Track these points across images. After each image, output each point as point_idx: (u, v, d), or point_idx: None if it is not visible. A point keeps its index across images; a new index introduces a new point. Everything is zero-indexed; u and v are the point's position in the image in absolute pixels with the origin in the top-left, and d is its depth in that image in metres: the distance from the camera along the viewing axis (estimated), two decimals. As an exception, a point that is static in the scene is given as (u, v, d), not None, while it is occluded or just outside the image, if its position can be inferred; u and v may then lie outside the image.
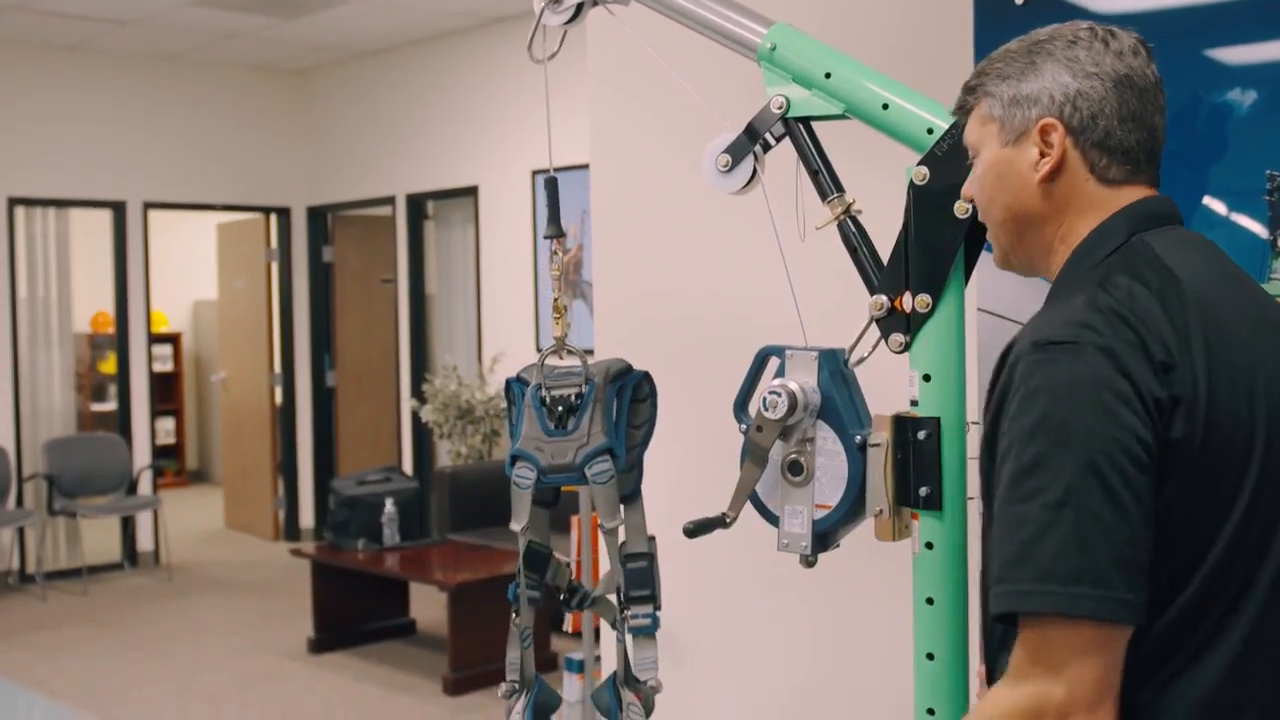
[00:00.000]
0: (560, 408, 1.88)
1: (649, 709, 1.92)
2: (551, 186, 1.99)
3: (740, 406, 1.77)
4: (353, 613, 6.44)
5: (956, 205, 1.60)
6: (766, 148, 1.80)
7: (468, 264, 8.20)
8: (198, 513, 10.04)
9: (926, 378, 1.64)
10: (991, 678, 1.43)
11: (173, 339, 11.61)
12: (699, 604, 2.90)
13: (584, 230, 6.41)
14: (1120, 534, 1.22)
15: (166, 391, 11.27)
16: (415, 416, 7.93)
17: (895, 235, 1.65)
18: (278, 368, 9.21)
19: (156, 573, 8.29)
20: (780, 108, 1.76)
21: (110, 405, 9.32)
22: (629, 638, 1.91)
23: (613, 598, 1.97)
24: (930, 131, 1.63)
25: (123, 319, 8.51)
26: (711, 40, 1.86)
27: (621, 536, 1.90)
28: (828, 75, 1.72)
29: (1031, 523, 1.24)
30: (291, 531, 9.12)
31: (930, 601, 1.63)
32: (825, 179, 1.74)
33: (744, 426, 1.74)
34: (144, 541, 8.51)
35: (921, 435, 1.62)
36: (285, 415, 9.19)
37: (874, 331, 1.68)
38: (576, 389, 1.88)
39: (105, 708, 5.57)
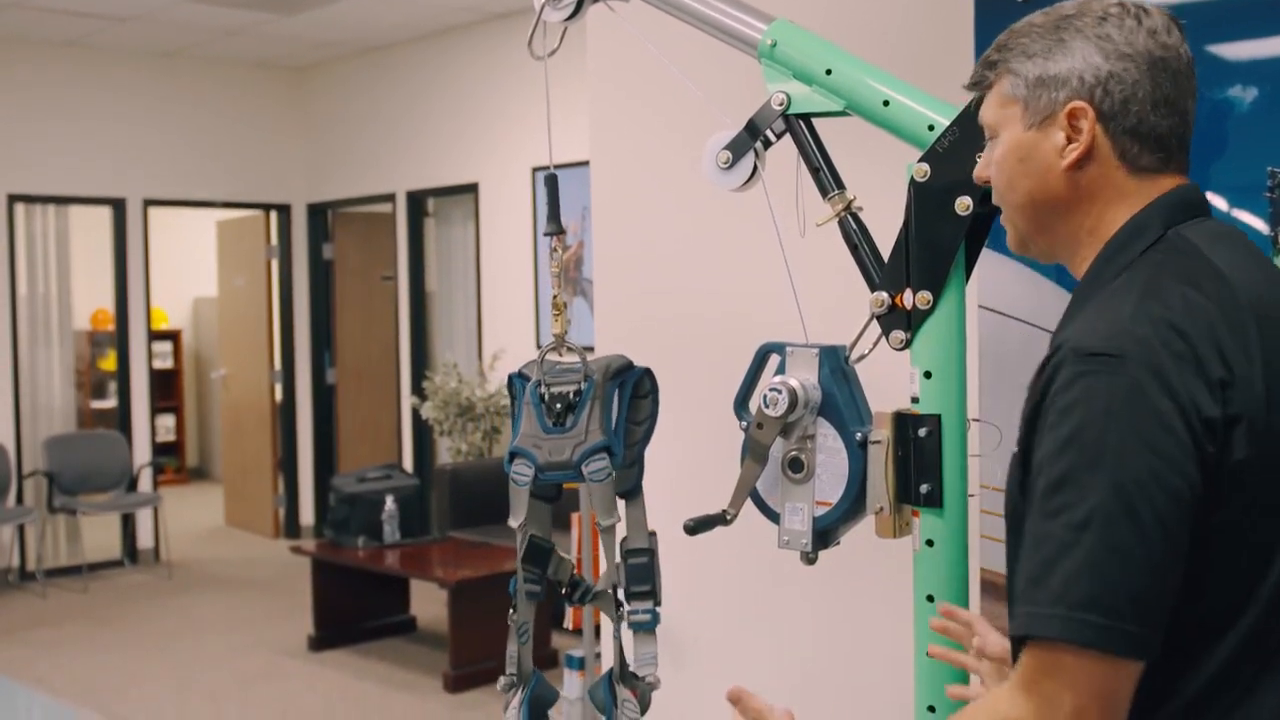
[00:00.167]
0: (559, 405, 1.88)
1: (645, 706, 1.91)
2: (551, 183, 1.99)
3: (741, 403, 1.77)
4: (353, 610, 6.44)
5: (958, 202, 1.60)
6: (767, 144, 1.79)
7: (468, 261, 8.20)
8: (198, 510, 10.04)
9: (927, 375, 1.63)
10: None
11: (173, 336, 11.61)
12: (700, 601, 2.90)
13: (584, 227, 6.40)
14: (1140, 566, 1.15)
15: (167, 389, 11.27)
16: (415, 413, 7.93)
17: (896, 232, 1.65)
18: (278, 365, 9.21)
19: (156, 570, 8.29)
20: (781, 104, 1.76)
21: (110, 402, 9.32)
22: (628, 633, 1.91)
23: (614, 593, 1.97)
24: (931, 128, 1.63)
25: (123, 316, 8.51)
26: (712, 37, 1.86)
27: (622, 532, 1.90)
28: (828, 72, 1.72)
29: (1053, 542, 1.18)
30: (292, 529, 9.12)
31: (931, 599, 1.63)
32: (826, 176, 1.74)
33: (745, 423, 1.73)
34: (144, 539, 8.51)
35: (922, 432, 1.62)
36: (285, 412, 9.19)
37: (875, 328, 1.68)
38: (575, 386, 1.88)
39: (105, 705, 5.57)
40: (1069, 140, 1.33)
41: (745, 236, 2.44)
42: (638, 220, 3.06)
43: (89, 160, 8.28)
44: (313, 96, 9.11)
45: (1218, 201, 2.01)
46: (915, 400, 1.65)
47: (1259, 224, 1.96)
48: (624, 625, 1.92)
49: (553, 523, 1.98)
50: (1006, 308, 2.19)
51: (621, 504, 1.90)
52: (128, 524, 8.46)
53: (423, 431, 8.22)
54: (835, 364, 1.71)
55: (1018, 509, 1.29)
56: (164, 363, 11.25)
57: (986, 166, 1.44)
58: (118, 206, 8.42)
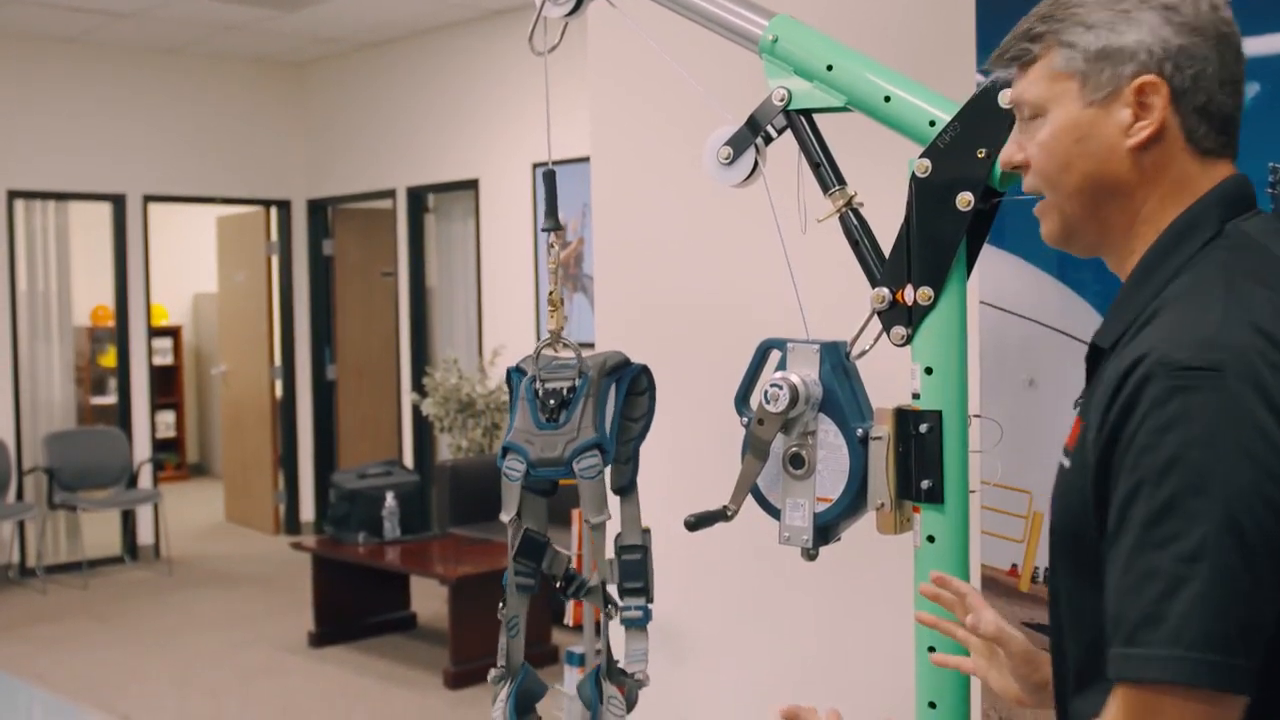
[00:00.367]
0: (552, 401, 1.88)
1: (632, 704, 1.91)
2: (549, 179, 1.99)
3: (741, 399, 1.77)
4: (353, 606, 6.44)
5: (959, 197, 1.59)
6: (768, 140, 1.79)
7: (468, 257, 8.20)
8: (198, 506, 10.05)
9: (928, 371, 1.63)
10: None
11: (173, 332, 11.61)
12: (700, 597, 2.90)
13: (585, 223, 6.40)
14: (1249, 594, 1.09)
15: (167, 385, 11.27)
16: (416, 410, 7.94)
17: (897, 228, 1.65)
18: (278, 361, 9.21)
19: (157, 566, 8.30)
20: (782, 100, 1.75)
21: (110, 399, 9.32)
22: (618, 630, 1.91)
23: (611, 589, 1.97)
24: (932, 124, 1.63)
25: (123, 312, 8.51)
26: (712, 32, 1.85)
27: (617, 528, 1.90)
28: (829, 67, 1.72)
29: (1162, 577, 1.09)
30: (292, 525, 9.12)
31: (932, 595, 1.63)
32: (827, 171, 1.73)
33: (745, 420, 1.73)
34: (144, 535, 8.52)
35: (923, 428, 1.62)
36: (285, 409, 9.19)
37: (876, 324, 1.68)
38: (570, 382, 1.88)
39: (106, 701, 5.58)
40: (1136, 118, 1.25)
41: (746, 232, 2.43)
42: (638, 216, 3.06)
43: (89, 156, 8.28)
44: (313, 92, 9.11)
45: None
46: (916, 396, 1.64)
47: (1261, 220, 1.96)
48: (614, 621, 1.92)
49: (554, 518, 1.98)
50: (1008, 303, 2.19)
51: (616, 500, 1.90)
52: (128, 520, 8.46)
53: (423, 428, 8.22)
54: (836, 360, 1.71)
55: (1079, 529, 1.23)
56: (164, 359, 11.25)
57: (1019, 150, 1.35)
58: (118, 202, 8.41)
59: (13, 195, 8.01)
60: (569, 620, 3.29)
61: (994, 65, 1.37)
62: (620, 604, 1.91)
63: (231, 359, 9.64)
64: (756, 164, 1.80)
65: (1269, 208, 1.95)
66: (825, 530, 1.71)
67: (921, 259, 1.62)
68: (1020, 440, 2.14)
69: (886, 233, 1.67)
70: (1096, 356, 1.31)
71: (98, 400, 10.17)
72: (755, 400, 1.71)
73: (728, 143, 1.80)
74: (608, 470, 1.87)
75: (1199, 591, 1.08)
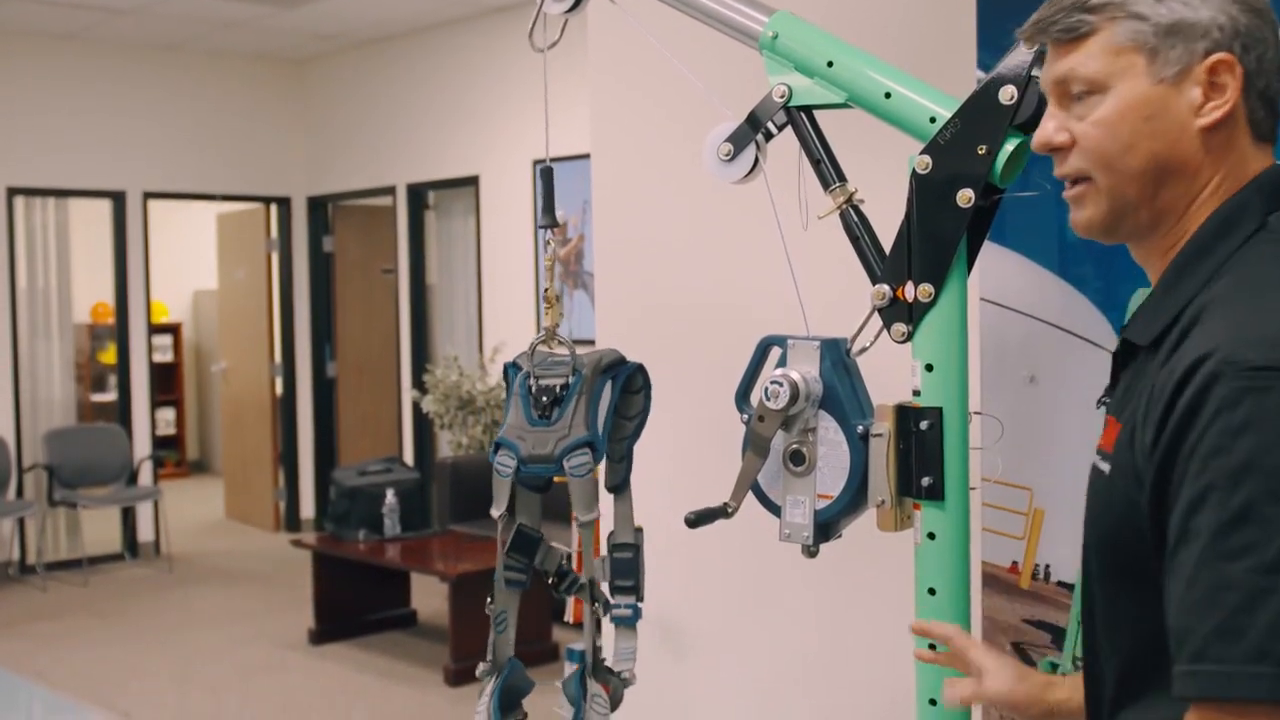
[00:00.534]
0: (545, 398, 1.87)
1: (616, 703, 1.91)
2: (547, 176, 1.99)
3: (742, 396, 1.77)
4: (353, 603, 6.44)
5: (959, 194, 1.59)
6: (768, 137, 1.79)
7: (468, 254, 8.20)
8: (198, 503, 10.05)
9: (929, 367, 1.63)
10: None
11: (173, 329, 11.61)
12: (701, 594, 2.90)
13: (585, 220, 6.40)
14: None
15: (167, 382, 11.27)
16: (416, 407, 7.93)
17: (898, 224, 1.65)
18: (278, 358, 9.21)
19: (157, 563, 8.30)
20: (782, 96, 1.75)
21: (110, 396, 9.32)
22: (608, 627, 1.91)
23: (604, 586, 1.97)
24: (933, 120, 1.62)
25: (123, 309, 8.50)
26: (713, 29, 1.85)
27: (610, 526, 1.90)
28: (830, 64, 1.72)
29: (1240, 589, 1.04)
30: (292, 522, 9.12)
31: (932, 592, 1.63)
32: (827, 168, 1.73)
33: (746, 416, 1.73)
34: (144, 532, 8.52)
35: (924, 425, 1.62)
36: (286, 406, 9.19)
37: (876, 321, 1.68)
38: (563, 380, 1.88)
39: (106, 699, 5.58)
40: (1206, 98, 1.20)
41: (746, 229, 2.43)
42: (638, 213, 3.05)
43: (89, 153, 8.27)
44: (313, 89, 9.10)
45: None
46: (917, 393, 1.64)
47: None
48: (605, 619, 1.92)
49: (558, 516, 1.98)
50: (1008, 300, 2.18)
51: (597, 502, 1.90)
52: (128, 517, 8.47)
53: (423, 425, 8.22)
54: (837, 357, 1.71)
55: (1119, 537, 1.19)
56: (164, 356, 11.25)
57: (1061, 129, 1.27)
58: (117, 199, 8.41)
59: (12, 192, 8.01)
60: (569, 617, 3.28)
61: (1031, 37, 1.29)
62: (611, 602, 1.90)
63: (232, 356, 9.64)
64: (757, 160, 1.80)
65: None
66: (826, 527, 1.71)
67: (922, 255, 1.62)
68: (1021, 437, 2.14)
69: (887, 229, 1.67)
70: (1128, 354, 1.27)
71: (98, 397, 10.16)
72: (756, 397, 1.71)
73: (728, 139, 1.80)
74: (601, 468, 1.87)
75: None
